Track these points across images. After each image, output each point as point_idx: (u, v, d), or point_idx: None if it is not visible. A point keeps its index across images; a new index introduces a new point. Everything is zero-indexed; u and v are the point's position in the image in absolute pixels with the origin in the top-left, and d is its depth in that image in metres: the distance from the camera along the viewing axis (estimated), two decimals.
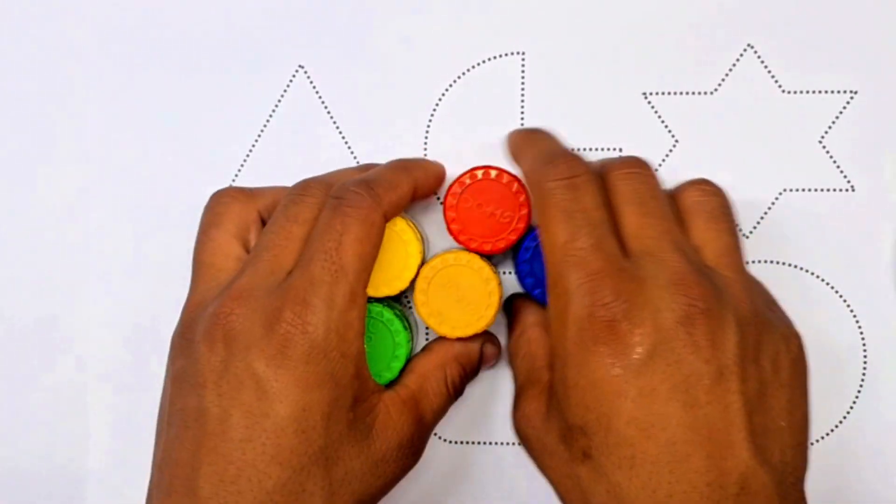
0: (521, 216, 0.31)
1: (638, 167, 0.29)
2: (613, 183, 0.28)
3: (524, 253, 0.32)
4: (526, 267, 0.32)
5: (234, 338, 0.27)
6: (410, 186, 0.31)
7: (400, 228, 0.31)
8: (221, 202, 0.31)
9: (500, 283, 0.32)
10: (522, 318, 0.32)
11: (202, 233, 0.31)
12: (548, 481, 0.28)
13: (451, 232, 0.31)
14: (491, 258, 0.32)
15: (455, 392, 0.32)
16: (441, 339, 0.32)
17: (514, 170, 0.32)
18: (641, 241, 0.27)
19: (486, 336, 0.33)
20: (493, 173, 0.31)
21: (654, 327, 0.25)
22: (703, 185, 0.30)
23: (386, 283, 0.31)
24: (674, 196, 0.30)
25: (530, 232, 0.32)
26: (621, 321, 0.25)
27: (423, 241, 0.32)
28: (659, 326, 0.25)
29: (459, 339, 0.32)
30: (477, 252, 0.32)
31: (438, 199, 0.35)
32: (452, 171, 0.35)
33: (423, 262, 0.32)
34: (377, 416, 0.29)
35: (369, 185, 0.29)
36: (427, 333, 0.35)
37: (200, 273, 0.30)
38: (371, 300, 0.32)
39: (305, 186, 0.30)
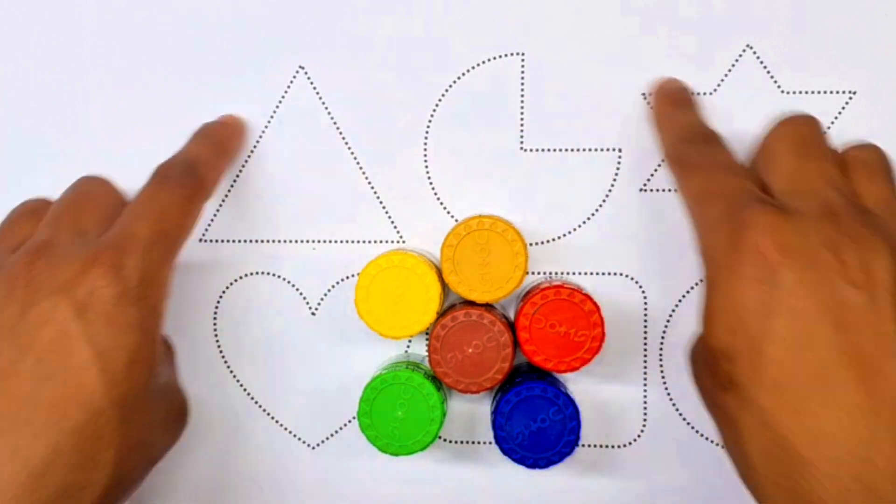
0: (595, 335, 0.31)
1: (804, 116, 0.29)
2: (776, 131, 0.29)
3: (504, 405, 0.31)
4: (501, 420, 0.31)
5: (39, 285, 0.26)
6: (226, 163, 0.34)
7: (422, 272, 0.31)
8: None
9: (439, 278, 0.32)
10: None
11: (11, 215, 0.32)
12: (714, 422, 0.28)
13: (525, 352, 0.32)
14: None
15: None
16: None
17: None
18: (795, 181, 0.27)
19: None
20: (565, 292, 0.31)
21: (801, 249, 0.25)
22: (868, 144, 0.29)
23: (406, 325, 0.32)
24: (839, 153, 0.29)
25: (512, 388, 0.32)
26: (765, 242, 0.25)
27: (443, 284, 0.32)
28: (806, 249, 0.25)
29: None
30: (553, 371, 0.32)
31: None
32: (452, 171, 0.35)
33: (442, 307, 0.32)
34: (173, 374, 0.30)
35: (192, 167, 0.31)
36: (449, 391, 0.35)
37: None
38: (397, 366, 0.32)
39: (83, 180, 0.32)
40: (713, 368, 0.26)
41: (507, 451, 0.31)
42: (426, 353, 0.33)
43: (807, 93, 0.34)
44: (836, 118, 0.34)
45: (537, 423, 0.31)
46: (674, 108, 0.33)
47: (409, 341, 0.35)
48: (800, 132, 0.29)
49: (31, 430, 0.25)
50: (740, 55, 0.34)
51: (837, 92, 0.34)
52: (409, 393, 0.32)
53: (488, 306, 0.32)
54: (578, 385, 0.35)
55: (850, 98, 0.34)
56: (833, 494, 0.23)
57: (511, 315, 0.34)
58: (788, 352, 0.24)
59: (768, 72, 0.34)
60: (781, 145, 0.28)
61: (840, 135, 0.34)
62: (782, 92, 0.34)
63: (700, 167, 0.29)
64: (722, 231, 0.26)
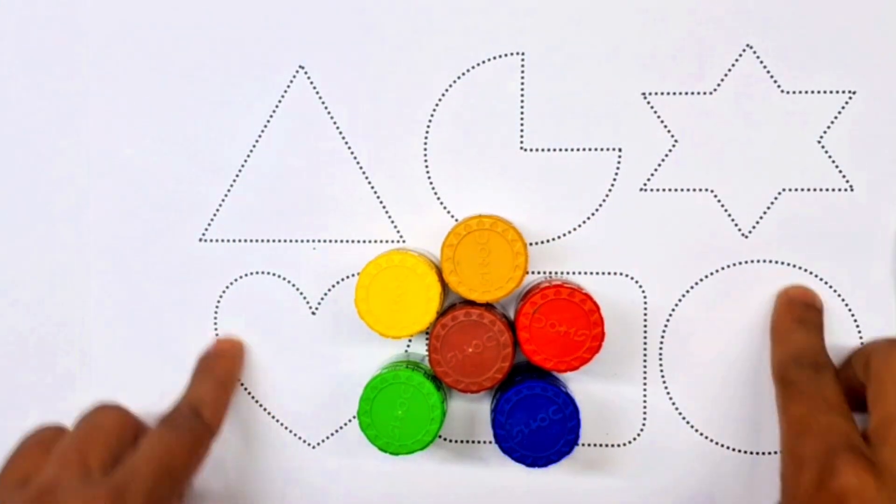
0: (595, 335, 0.31)
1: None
2: (890, 358, 0.29)
3: (504, 403, 0.32)
4: (501, 418, 0.32)
5: None
6: (230, 397, 0.35)
7: (422, 271, 0.31)
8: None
9: (439, 277, 0.32)
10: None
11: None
12: None
13: (525, 352, 0.32)
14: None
15: None
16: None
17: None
18: (884, 430, 0.27)
19: None
20: (565, 292, 0.31)
21: None
22: None
23: (406, 325, 0.32)
24: None
25: (512, 386, 0.32)
26: (850, 496, 0.25)
27: (443, 284, 0.32)
28: None
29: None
30: (553, 370, 0.32)
31: None
32: (452, 171, 0.35)
33: (442, 306, 0.32)
34: None
35: (198, 412, 0.32)
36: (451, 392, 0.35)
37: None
38: (397, 366, 0.32)
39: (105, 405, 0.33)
40: None
41: (506, 450, 0.32)
42: (426, 353, 0.33)
43: (807, 93, 0.34)
44: (835, 118, 0.34)
45: (537, 422, 0.31)
46: (797, 324, 0.32)
47: (410, 341, 0.35)
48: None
49: None
50: (740, 55, 0.34)
51: (837, 92, 0.34)
52: (409, 392, 0.32)
53: (488, 306, 0.32)
54: (578, 384, 0.35)
55: (850, 98, 0.34)
56: None
57: (511, 314, 0.34)
58: None
59: (768, 71, 0.34)
60: (886, 388, 0.28)
61: (840, 135, 0.34)
62: (782, 91, 0.34)
63: (805, 396, 0.29)
64: (811, 471, 0.26)
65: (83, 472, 0.29)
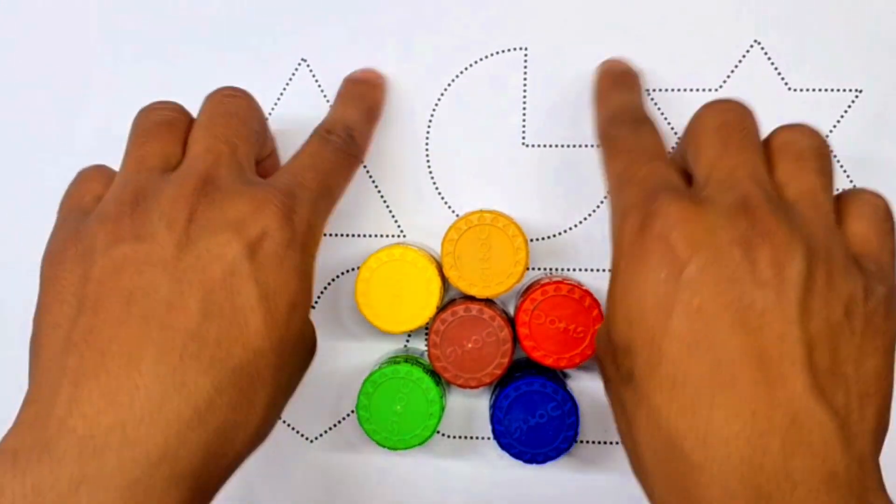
0: (596, 331, 0.31)
1: (731, 101, 0.27)
2: (701, 116, 0.27)
3: (503, 399, 0.32)
4: (500, 414, 0.32)
5: (207, 220, 0.25)
6: (374, 127, 0.34)
7: (423, 266, 0.31)
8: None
9: (439, 272, 0.32)
10: None
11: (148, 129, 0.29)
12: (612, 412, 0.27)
13: (524, 348, 0.32)
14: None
15: None
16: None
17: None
18: (714, 169, 0.25)
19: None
20: (566, 288, 0.31)
21: (709, 245, 0.23)
22: (799, 126, 0.27)
23: (406, 320, 0.32)
24: (768, 137, 0.27)
25: (511, 382, 0.32)
26: (673, 234, 0.24)
27: (443, 279, 0.32)
28: (714, 244, 0.23)
29: None
30: (553, 367, 0.32)
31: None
32: (454, 166, 0.35)
33: (442, 301, 0.32)
34: (309, 314, 0.29)
35: (352, 134, 0.31)
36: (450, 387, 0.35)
37: (134, 160, 0.28)
38: (396, 360, 0.32)
39: (223, 92, 0.30)
40: (615, 360, 0.25)
41: (505, 446, 0.32)
42: (426, 348, 0.33)
43: (813, 90, 0.34)
44: (842, 116, 0.34)
45: (536, 419, 0.31)
46: (613, 87, 0.32)
47: (409, 336, 0.35)
48: (726, 118, 0.26)
49: (197, 365, 0.24)
50: (748, 51, 0.34)
51: (844, 90, 0.34)
52: (408, 387, 0.32)
53: (488, 301, 0.32)
54: (577, 381, 0.35)
55: (857, 96, 0.34)
56: (718, 497, 0.22)
57: (511, 310, 0.34)
58: (686, 350, 0.23)
59: (775, 68, 0.34)
60: (706, 131, 0.26)
61: (846, 133, 0.34)
62: (789, 89, 0.34)
63: (624, 150, 0.28)
64: (632, 218, 0.25)
65: (239, 169, 0.27)
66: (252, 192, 0.26)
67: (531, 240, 0.34)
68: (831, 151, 0.27)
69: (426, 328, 0.34)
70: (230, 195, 0.26)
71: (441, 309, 0.32)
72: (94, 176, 0.29)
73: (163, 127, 0.29)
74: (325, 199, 0.29)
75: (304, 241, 0.27)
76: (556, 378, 0.33)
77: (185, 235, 0.25)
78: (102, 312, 0.24)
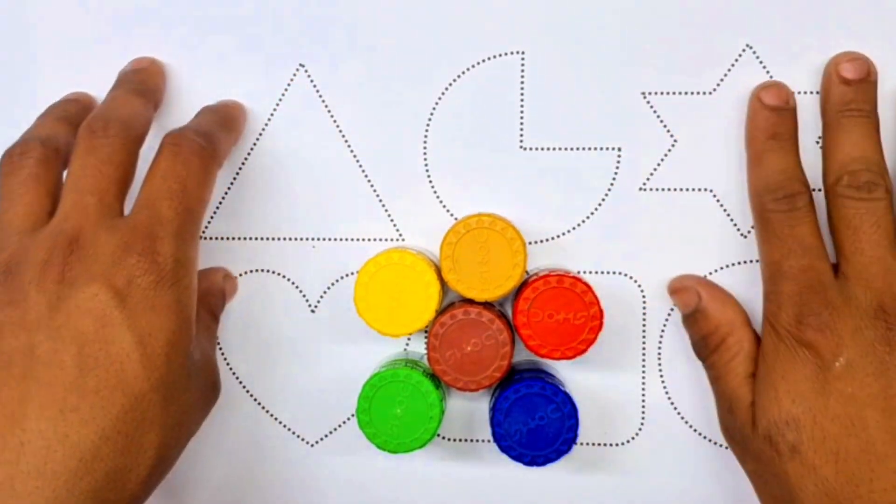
0: (594, 314, 0.31)
1: (867, 195, 0.30)
2: (841, 204, 0.30)
3: (502, 401, 0.32)
4: (500, 417, 0.32)
5: (74, 277, 0.27)
6: (233, 138, 0.34)
7: (421, 270, 0.31)
8: (27, 154, 0.30)
9: (438, 275, 0.32)
10: (720, 312, 0.33)
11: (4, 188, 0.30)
12: (754, 487, 0.31)
13: (526, 343, 0.32)
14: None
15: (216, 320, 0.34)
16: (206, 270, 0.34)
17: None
18: (854, 266, 0.29)
19: (223, 271, 0.35)
20: (566, 280, 0.31)
21: (855, 342, 0.28)
22: None
23: (405, 323, 0.32)
24: None
25: (511, 385, 0.32)
26: (825, 331, 0.28)
27: (442, 282, 0.32)
28: (859, 343, 0.28)
29: (204, 277, 0.33)
30: (547, 357, 0.32)
31: None
32: (452, 170, 0.35)
33: (440, 305, 0.32)
34: (207, 350, 0.30)
35: (203, 135, 0.31)
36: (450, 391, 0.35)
37: None
38: (396, 364, 0.32)
39: (105, 126, 0.30)
40: (776, 437, 0.29)
41: (505, 449, 0.32)
42: (425, 351, 0.33)
43: (806, 93, 0.34)
44: None
45: (535, 421, 0.31)
46: (769, 145, 0.32)
47: (408, 339, 0.36)
48: (884, 223, 0.30)
49: (79, 416, 0.25)
50: (740, 55, 0.34)
51: None
52: (408, 391, 0.32)
53: (487, 304, 0.32)
54: (577, 383, 0.35)
55: None
56: None
57: (509, 313, 0.34)
58: (844, 430, 0.27)
59: (768, 71, 0.34)
60: (844, 227, 0.30)
61: None
62: None
63: (780, 237, 0.31)
64: (788, 310, 0.29)
65: (106, 216, 0.28)
66: (116, 239, 0.28)
67: (529, 243, 0.35)
68: None
69: (425, 331, 0.34)
70: (95, 247, 0.27)
71: (440, 312, 0.32)
72: None
73: (29, 183, 0.29)
74: (188, 222, 0.29)
75: (174, 278, 0.28)
76: (556, 380, 0.33)
77: (56, 295, 0.26)
78: None
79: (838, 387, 0.28)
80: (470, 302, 0.32)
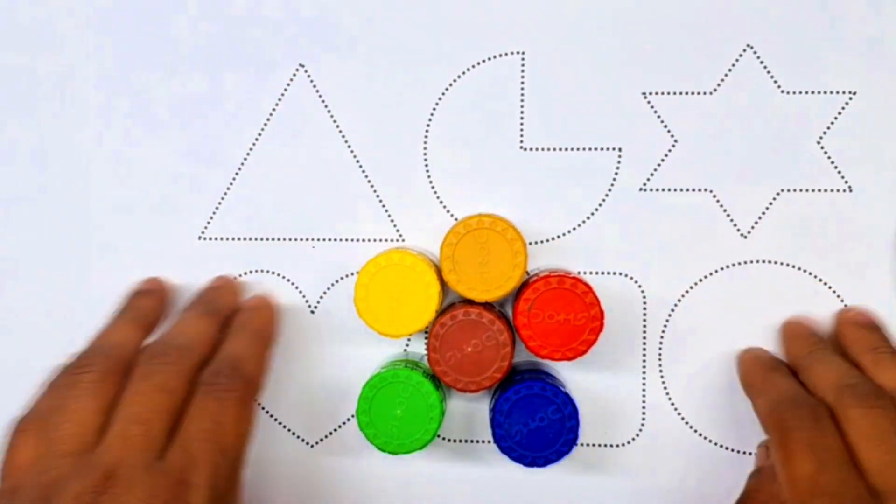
0: (594, 315, 0.31)
1: (877, 400, 0.29)
2: (852, 417, 0.29)
3: (503, 402, 0.32)
4: (500, 418, 0.32)
5: None
6: (269, 352, 0.33)
7: (421, 270, 0.31)
8: (92, 365, 0.30)
9: (438, 276, 0.32)
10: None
11: (61, 388, 0.30)
12: None
13: (527, 345, 0.32)
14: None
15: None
16: None
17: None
18: (883, 476, 0.27)
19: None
20: (566, 281, 0.31)
21: None
22: (870, 337, 0.31)
23: (405, 324, 0.32)
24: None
25: (511, 386, 0.32)
26: None
27: (442, 283, 0.32)
28: None
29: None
30: (547, 358, 0.32)
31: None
32: (452, 170, 0.35)
33: (441, 306, 0.32)
34: None
35: (237, 368, 0.31)
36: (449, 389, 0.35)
37: (47, 435, 0.29)
38: (396, 365, 0.32)
39: (164, 352, 0.30)
40: None
41: (505, 450, 0.32)
42: (425, 352, 0.33)
43: (807, 93, 0.34)
44: (835, 118, 0.34)
45: (536, 422, 0.31)
46: (772, 371, 0.32)
47: (409, 340, 0.35)
48: (877, 420, 0.29)
49: None
50: (740, 55, 0.34)
51: (837, 92, 0.34)
52: (408, 391, 0.32)
53: (487, 305, 0.32)
54: (577, 384, 0.35)
55: (851, 98, 0.34)
56: None
57: (509, 314, 0.34)
58: None
59: (768, 72, 0.34)
60: (861, 439, 0.28)
61: (839, 135, 0.34)
62: (782, 92, 0.34)
63: (809, 445, 0.28)
64: None
65: (147, 450, 0.28)
66: (150, 484, 0.27)
67: (529, 243, 0.34)
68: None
69: (426, 332, 0.34)
70: (129, 490, 0.26)
71: (440, 313, 0.32)
72: (24, 446, 0.29)
73: (84, 400, 0.29)
74: (222, 465, 0.28)
75: None
76: (556, 381, 0.33)
77: None
78: None
79: None
80: (470, 303, 0.32)
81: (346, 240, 0.35)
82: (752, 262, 0.34)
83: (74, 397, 0.29)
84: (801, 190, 0.34)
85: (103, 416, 0.29)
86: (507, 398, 0.31)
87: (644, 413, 0.35)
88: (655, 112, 0.34)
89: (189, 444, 0.28)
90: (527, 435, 0.31)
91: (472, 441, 0.35)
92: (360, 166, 0.35)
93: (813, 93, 0.34)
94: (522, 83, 0.35)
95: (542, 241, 0.35)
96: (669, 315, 0.35)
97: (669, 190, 0.34)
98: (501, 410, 0.31)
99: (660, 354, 0.35)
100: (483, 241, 0.31)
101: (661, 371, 0.35)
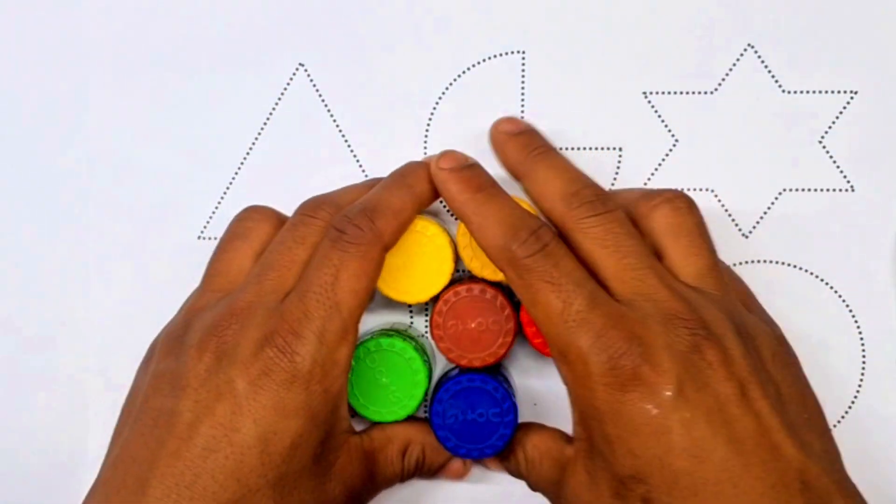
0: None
1: (603, 208, 0.29)
2: (583, 229, 0.29)
3: (443, 393, 0.32)
4: (439, 407, 0.31)
5: (224, 351, 0.28)
6: (414, 207, 0.31)
7: (432, 233, 0.31)
8: (253, 217, 0.32)
9: (454, 249, 0.32)
10: (514, 449, 0.32)
11: (226, 241, 0.32)
12: None
13: (534, 345, 0.32)
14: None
15: (406, 472, 0.32)
16: (424, 422, 0.33)
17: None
18: (626, 283, 0.28)
19: (460, 459, 0.34)
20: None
21: (672, 361, 0.26)
22: (676, 200, 0.30)
23: (421, 289, 0.31)
24: (644, 214, 0.30)
25: (451, 378, 0.32)
26: (642, 365, 0.26)
27: (454, 246, 0.32)
28: (675, 359, 0.26)
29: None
30: (469, 367, 0.32)
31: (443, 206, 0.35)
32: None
33: (455, 269, 0.32)
34: (339, 458, 0.30)
35: (371, 218, 0.29)
36: (439, 362, 0.35)
37: (210, 280, 0.32)
38: (384, 333, 0.32)
39: (315, 207, 0.31)
40: (623, 494, 0.26)
41: (441, 439, 0.32)
42: (426, 329, 0.34)
43: (808, 92, 0.34)
44: (837, 118, 0.34)
45: (474, 415, 0.31)
46: (487, 191, 0.31)
47: (412, 312, 0.35)
48: (610, 227, 0.28)
49: (190, 494, 0.26)
50: (741, 54, 0.34)
51: (839, 92, 0.34)
52: (392, 359, 0.32)
53: (498, 285, 0.32)
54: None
55: (852, 98, 0.34)
56: None
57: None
58: (694, 459, 0.25)
59: (769, 71, 0.34)
60: (597, 248, 0.28)
61: (840, 135, 0.34)
62: (783, 91, 0.34)
63: (553, 283, 0.28)
64: (599, 362, 0.26)
65: (277, 290, 0.29)
66: (265, 325, 0.28)
67: None
68: (702, 216, 0.30)
69: (426, 308, 0.34)
70: (252, 328, 0.28)
71: (450, 285, 0.32)
72: (236, 253, 0.32)
73: (237, 242, 0.32)
74: (334, 321, 0.28)
75: (309, 379, 0.28)
76: (499, 377, 0.33)
77: (207, 368, 0.28)
78: (135, 426, 0.28)
79: (676, 417, 0.25)
80: (491, 284, 0.32)
81: None
82: (753, 261, 0.34)
83: (229, 240, 0.32)
84: (802, 189, 0.34)
85: (256, 258, 0.31)
86: (448, 389, 0.32)
87: None
88: (656, 112, 0.34)
89: (305, 295, 0.28)
90: (464, 425, 0.31)
91: None
92: (360, 166, 0.35)
93: (814, 92, 0.34)
94: (522, 83, 0.35)
95: None
96: None
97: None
98: (441, 400, 0.32)
99: None
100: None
101: None
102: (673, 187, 0.30)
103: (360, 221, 0.29)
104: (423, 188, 0.31)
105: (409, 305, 0.35)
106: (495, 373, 0.33)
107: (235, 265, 0.31)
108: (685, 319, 0.27)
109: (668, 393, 0.25)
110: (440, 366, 0.35)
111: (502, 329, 0.31)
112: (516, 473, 0.32)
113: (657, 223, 0.30)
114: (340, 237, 0.29)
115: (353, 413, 0.32)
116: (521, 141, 0.33)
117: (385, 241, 0.29)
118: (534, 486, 0.32)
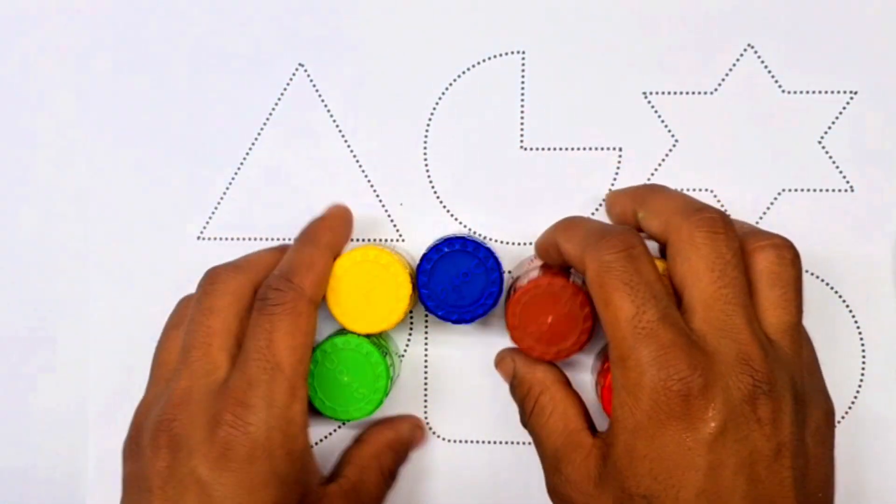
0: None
1: (723, 229, 0.28)
2: (695, 242, 0.28)
3: (425, 263, 0.31)
4: (424, 278, 0.31)
5: (178, 444, 0.27)
6: (324, 258, 0.31)
7: (387, 262, 0.31)
8: (188, 304, 0.31)
9: (410, 275, 0.32)
10: (530, 374, 0.31)
11: (165, 331, 0.32)
12: None
13: (513, 338, 0.31)
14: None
15: (390, 480, 0.33)
16: (373, 427, 0.33)
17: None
18: (712, 311, 0.27)
19: (413, 420, 0.34)
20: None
21: (725, 403, 0.25)
22: (783, 249, 0.29)
23: (382, 318, 0.31)
24: (748, 251, 0.28)
25: (433, 247, 0.32)
26: (696, 395, 0.25)
27: (411, 272, 0.32)
28: (729, 403, 0.25)
29: (389, 426, 0.33)
30: (541, 359, 0.31)
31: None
32: (452, 170, 0.35)
33: (414, 294, 0.32)
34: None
35: (288, 278, 0.30)
36: (402, 357, 0.35)
37: (154, 372, 0.31)
38: (339, 332, 0.32)
39: (214, 275, 0.31)
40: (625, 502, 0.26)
41: (431, 309, 0.32)
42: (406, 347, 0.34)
43: (808, 93, 0.34)
44: (837, 118, 0.34)
45: (460, 278, 0.31)
46: (575, 219, 0.31)
47: (379, 335, 0.35)
48: (722, 252, 0.27)
49: None
50: (741, 55, 0.34)
51: (839, 92, 0.34)
52: (353, 358, 0.32)
53: (574, 279, 0.31)
54: (583, 377, 0.34)
55: (852, 98, 0.34)
56: None
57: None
58: (703, 500, 0.25)
59: (769, 71, 0.34)
60: (702, 266, 0.27)
61: (840, 135, 0.34)
62: (783, 92, 0.34)
63: (624, 286, 0.27)
64: (651, 373, 0.26)
65: (210, 371, 0.29)
66: (213, 406, 0.28)
67: (529, 243, 0.34)
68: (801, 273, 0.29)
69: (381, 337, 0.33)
70: (198, 414, 0.28)
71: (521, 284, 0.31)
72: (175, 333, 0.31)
73: (168, 330, 0.32)
74: (279, 382, 0.28)
75: (268, 447, 0.27)
76: (477, 238, 0.33)
77: (168, 459, 0.28)
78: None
79: (708, 458, 0.25)
80: (556, 272, 0.31)
81: None
82: None
83: (166, 330, 0.32)
84: (802, 190, 0.34)
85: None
86: (430, 258, 0.31)
87: None
88: (656, 112, 0.34)
89: (245, 364, 0.28)
90: (452, 291, 0.31)
91: (469, 441, 0.35)
92: (360, 166, 0.35)
93: (814, 92, 0.34)
94: (522, 83, 0.35)
95: None
96: None
97: None
98: (425, 270, 0.31)
99: None
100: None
101: None
102: (768, 231, 0.29)
103: (278, 284, 0.29)
104: (328, 238, 0.32)
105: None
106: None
107: (174, 354, 0.31)
108: (755, 369, 0.26)
109: (709, 431, 0.25)
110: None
111: (579, 313, 0.30)
112: (518, 399, 0.32)
113: (759, 265, 0.28)
114: (265, 304, 0.29)
115: (321, 415, 0.32)
116: (632, 187, 0.33)
117: (308, 295, 0.30)
118: (524, 424, 0.31)
